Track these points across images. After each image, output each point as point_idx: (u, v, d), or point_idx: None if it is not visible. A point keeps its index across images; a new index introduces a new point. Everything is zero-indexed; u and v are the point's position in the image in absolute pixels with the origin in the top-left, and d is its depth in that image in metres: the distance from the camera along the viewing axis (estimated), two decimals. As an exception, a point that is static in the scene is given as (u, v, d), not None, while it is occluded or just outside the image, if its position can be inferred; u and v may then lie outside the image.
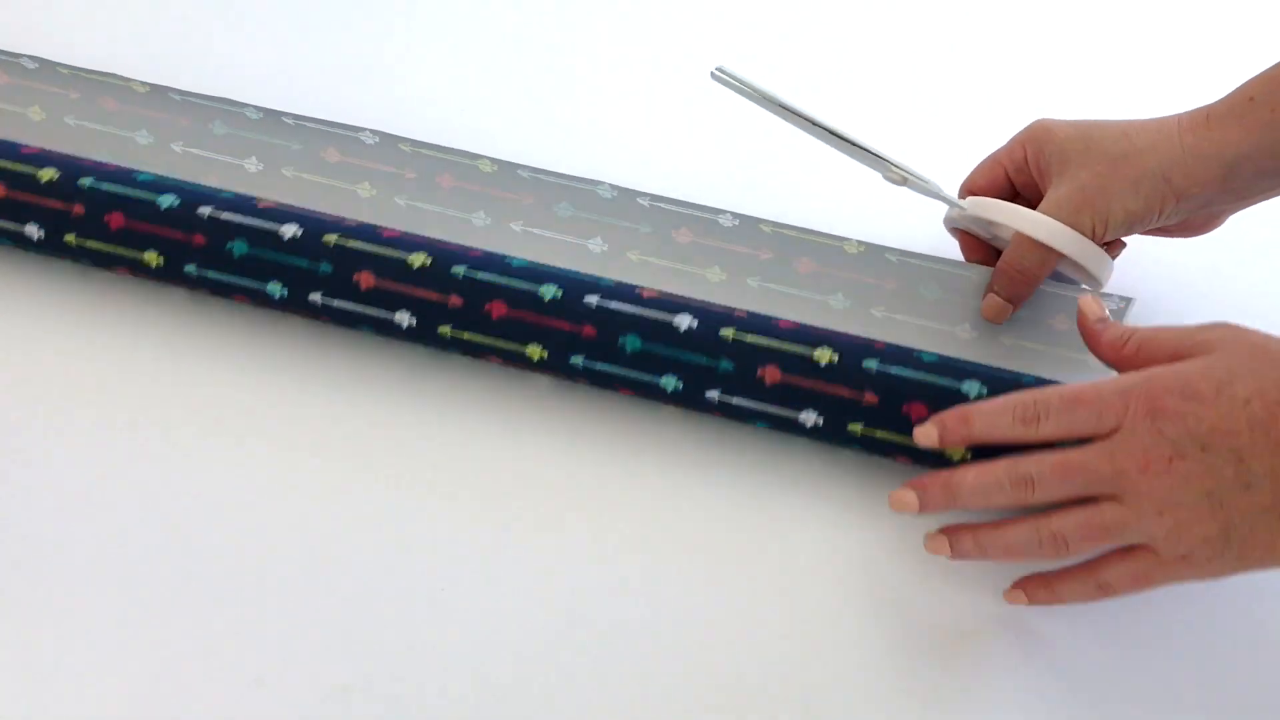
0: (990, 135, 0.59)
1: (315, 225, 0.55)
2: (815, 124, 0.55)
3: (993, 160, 0.58)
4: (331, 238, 0.54)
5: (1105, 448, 0.44)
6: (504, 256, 0.55)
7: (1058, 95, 0.72)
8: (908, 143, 0.60)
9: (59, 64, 0.63)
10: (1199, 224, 0.57)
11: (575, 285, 0.54)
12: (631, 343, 0.52)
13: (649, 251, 0.58)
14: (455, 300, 0.53)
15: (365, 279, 0.54)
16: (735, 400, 0.52)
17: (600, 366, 0.53)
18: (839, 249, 0.57)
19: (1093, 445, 0.45)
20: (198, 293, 0.57)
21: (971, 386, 0.50)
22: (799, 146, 0.58)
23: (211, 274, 0.55)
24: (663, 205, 0.59)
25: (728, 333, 0.52)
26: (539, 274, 0.54)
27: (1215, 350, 0.44)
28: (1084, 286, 0.57)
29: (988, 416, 0.47)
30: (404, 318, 0.54)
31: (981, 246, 0.59)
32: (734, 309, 0.54)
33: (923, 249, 0.58)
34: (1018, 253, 0.54)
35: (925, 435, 0.48)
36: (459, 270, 0.54)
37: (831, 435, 0.52)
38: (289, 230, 0.55)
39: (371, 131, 0.60)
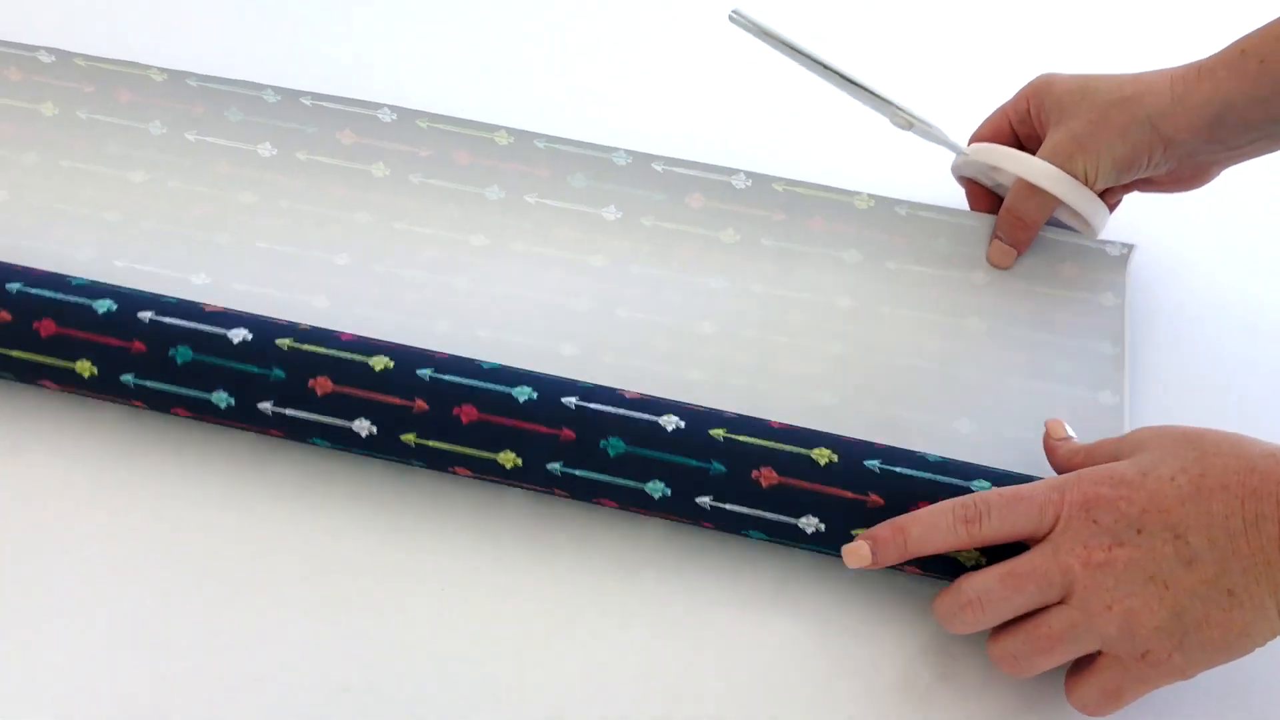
0: (1001, 87, 0.61)
1: (267, 329, 0.51)
2: (826, 67, 0.57)
3: (999, 112, 0.60)
4: (285, 341, 0.50)
5: (1048, 548, 0.44)
6: (473, 360, 0.51)
7: (1067, 48, 0.73)
8: (921, 90, 0.62)
9: (76, 55, 0.63)
10: (1189, 176, 0.58)
11: (551, 387, 0.50)
12: (615, 446, 0.48)
13: (663, 217, 0.59)
14: (421, 405, 0.49)
15: (322, 384, 0.49)
16: (729, 506, 0.48)
17: (580, 473, 0.48)
18: (850, 205, 0.59)
19: (1035, 549, 0.44)
20: (129, 407, 0.53)
21: (981, 486, 0.47)
22: (811, 98, 0.62)
23: (151, 384, 0.50)
24: (676, 170, 0.60)
25: (718, 433, 0.48)
26: (511, 376, 0.50)
27: (1145, 447, 0.45)
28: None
29: (925, 522, 0.46)
30: (363, 426, 0.49)
31: (987, 195, 0.61)
32: (723, 410, 0.50)
33: (931, 198, 0.60)
34: (1017, 198, 0.57)
35: (855, 555, 0.47)
36: (425, 373, 0.50)
37: (833, 542, 0.48)
38: (238, 335, 0.50)
39: (390, 108, 0.61)
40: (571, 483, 0.49)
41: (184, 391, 0.50)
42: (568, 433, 0.49)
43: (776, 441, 0.48)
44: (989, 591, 0.44)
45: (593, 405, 0.49)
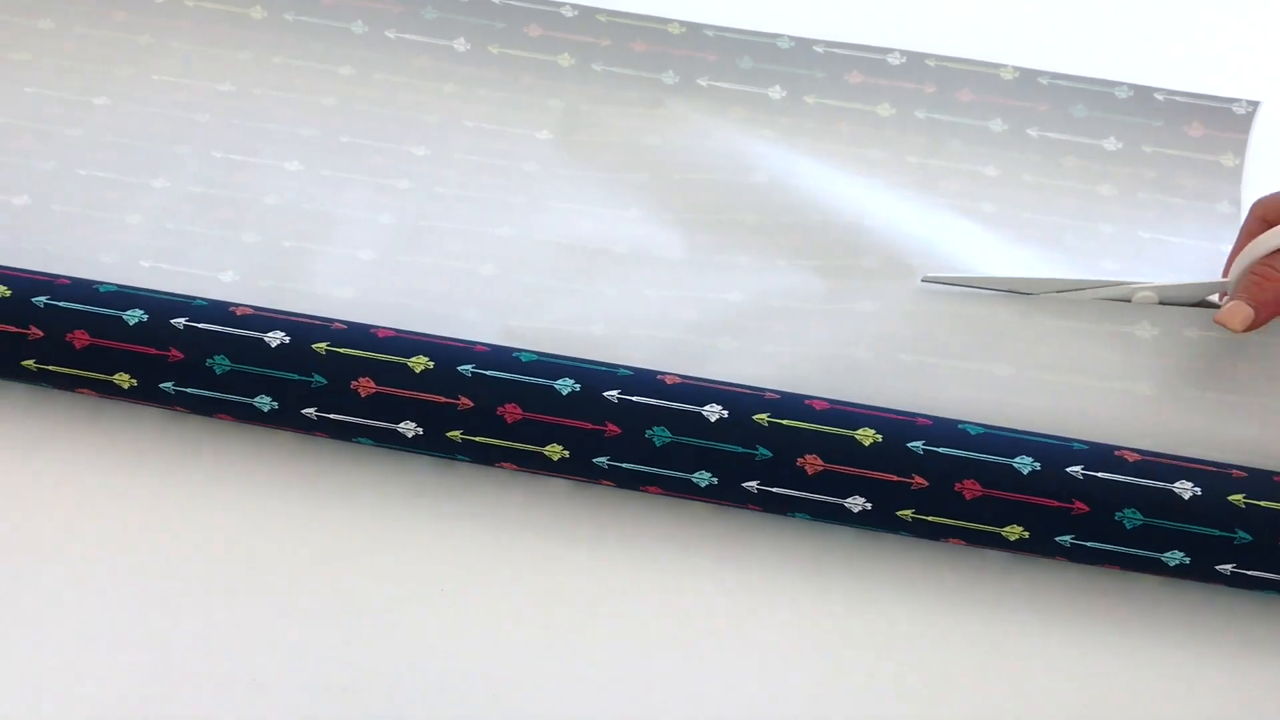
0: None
1: (303, 332, 0.51)
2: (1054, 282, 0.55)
3: (1238, 245, 0.53)
4: (322, 346, 0.50)
5: None
6: (510, 350, 0.51)
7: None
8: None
9: None
10: None
11: (592, 378, 0.50)
12: (660, 435, 0.49)
13: (824, 94, 0.64)
14: (465, 402, 0.49)
15: (365, 385, 0.50)
16: (776, 490, 0.48)
17: (627, 465, 0.49)
18: (995, 76, 0.63)
19: None
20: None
21: (1024, 462, 0.48)
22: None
23: (192, 391, 0.50)
24: (836, 51, 0.64)
25: (761, 418, 0.49)
26: (551, 369, 0.50)
27: None
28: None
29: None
30: (409, 427, 0.50)
31: None
32: (764, 391, 0.50)
33: (1072, 70, 0.63)
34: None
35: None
36: (466, 369, 0.50)
37: (878, 521, 0.49)
38: (275, 338, 0.50)
39: (572, 5, 0.66)
40: (618, 474, 0.50)
41: (227, 397, 0.50)
42: (613, 428, 0.49)
43: (820, 424, 0.49)
44: None
45: (635, 398, 0.49)
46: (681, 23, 0.65)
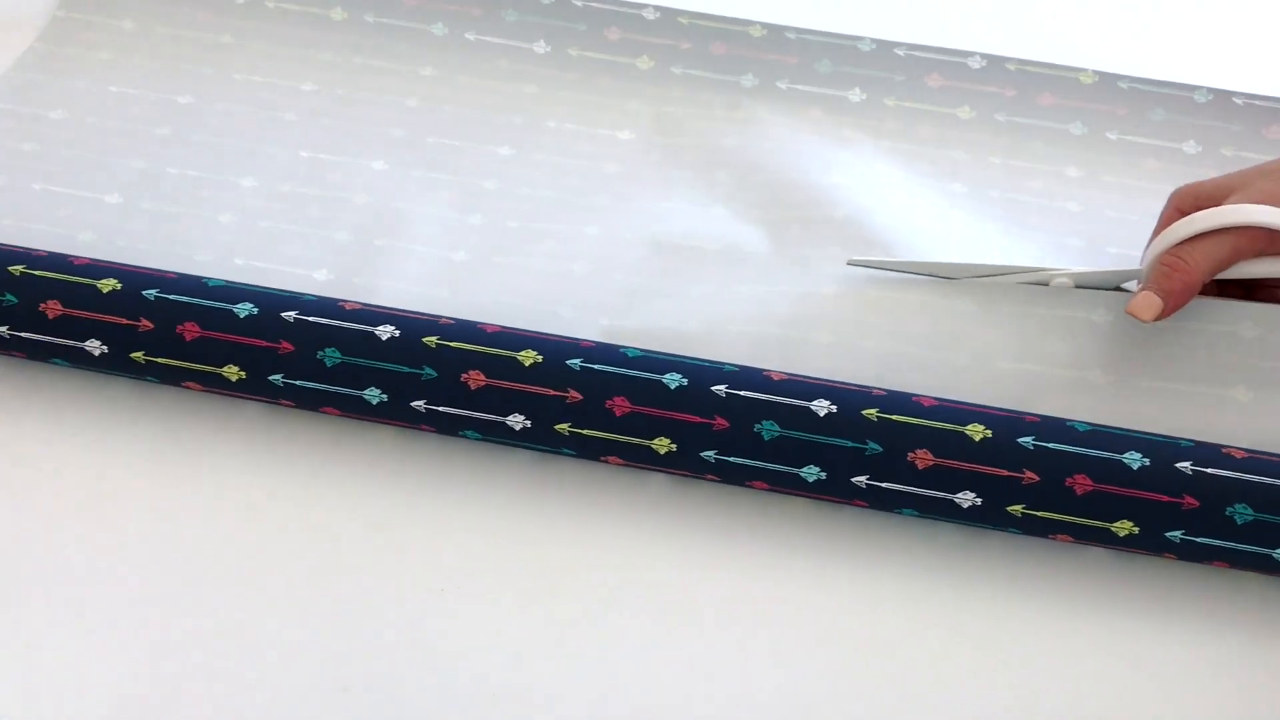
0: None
1: (412, 326, 0.51)
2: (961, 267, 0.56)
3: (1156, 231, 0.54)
4: (432, 339, 0.51)
5: None
6: (617, 346, 0.51)
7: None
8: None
9: None
10: None
11: (699, 373, 0.50)
12: (769, 429, 0.49)
13: (904, 97, 0.65)
14: (574, 395, 0.50)
15: (474, 379, 0.50)
16: (886, 485, 0.49)
17: (734, 460, 0.49)
18: (1075, 80, 0.64)
19: None
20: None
21: (1133, 458, 0.48)
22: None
23: (301, 384, 0.51)
24: (917, 54, 0.65)
25: (870, 413, 0.49)
26: (659, 364, 0.50)
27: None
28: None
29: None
30: (517, 420, 0.50)
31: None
32: (870, 388, 0.51)
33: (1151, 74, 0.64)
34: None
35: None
36: (575, 363, 0.50)
37: (987, 517, 0.49)
38: (385, 331, 0.51)
39: (654, 8, 0.66)
40: (726, 469, 0.50)
41: (335, 390, 0.50)
42: (721, 422, 0.49)
43: (929, 420, 0.49)
44: None
45: (743, 393, 0.50)
46: (764, 25, 0.66)
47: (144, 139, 0.63)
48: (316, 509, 0.51)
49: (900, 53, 0.65)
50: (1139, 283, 0.53)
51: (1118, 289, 0.54)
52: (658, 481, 0.52)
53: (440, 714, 0.47)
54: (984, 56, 0.65)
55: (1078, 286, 0.54)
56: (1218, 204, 0.51)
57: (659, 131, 0.64)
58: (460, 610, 0.49)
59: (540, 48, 0.67)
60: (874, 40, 0.66)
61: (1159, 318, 0.50)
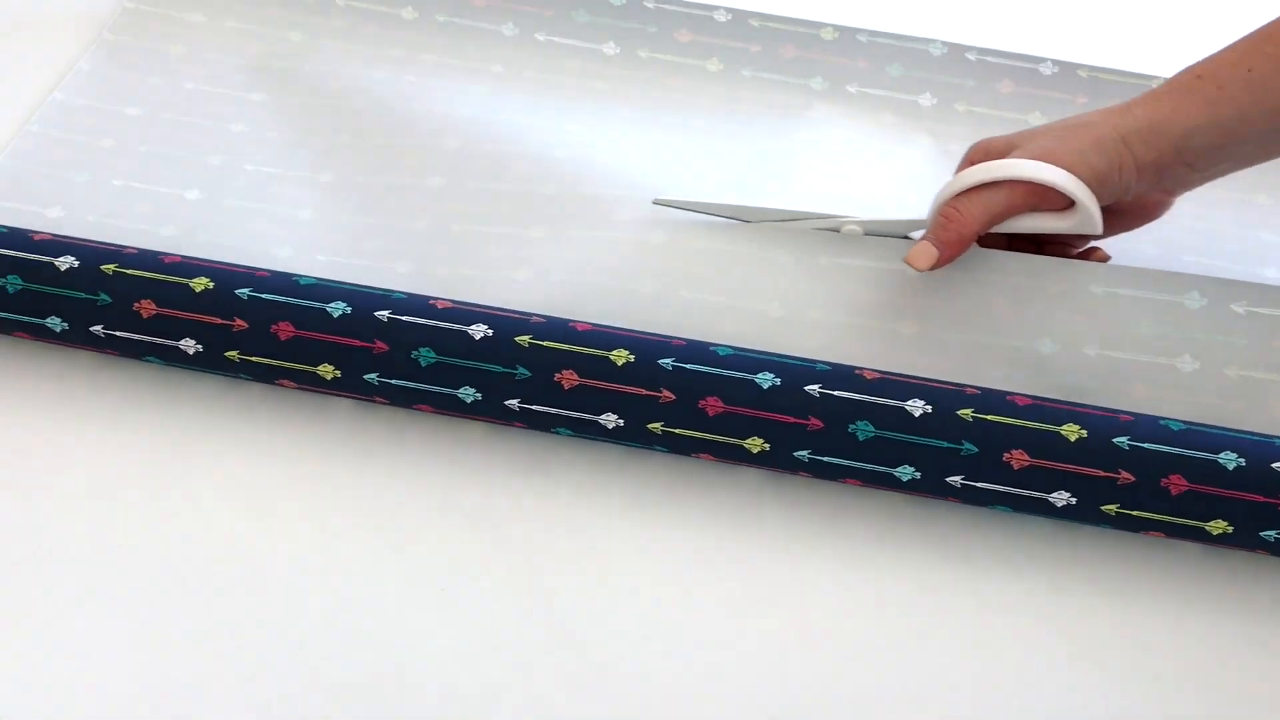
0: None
1: (505, 325, 0.51)
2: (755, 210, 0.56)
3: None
4: (525, 339, 0.51)
5: None
6: (708, 345, 0.52)
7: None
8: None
9: None
10: (1151, 206, 0.55)
11: (792, 373, 0.50)
12: (863, 429, 0.49)
13: (975, 103, 0.65)
14: (667, 395, 0.50)
15: (568, 378, 0.50)
16: (980, 485, 0.49)
17: (828, 459, 0.50)
18: (1147, 87, 0.62)
19: None
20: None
21: (1228, 458, 0.48)
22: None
23: (396, 382, 0.51)
24: (989, 59, 0.66)
25: (966, 413, 0.49)
26: (751, 363, 0.51)
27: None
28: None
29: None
30: (610, 419, 0.50)
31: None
32: (964, 386, 0.51)
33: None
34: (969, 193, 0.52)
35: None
36: (666, 363, 0.50)
37: (1081, 515, 0.49)
38: (478, 331, 0.51)
39: (725, 10, 0.67)
40: (819, 467, 0.50)
41: (430, 389, 0.51)
42: (815, 422, 0.49)
43: (1024, 420, 0.49)
44: None
45: (837, 393, 0.50)
46: (835, 27, 0.66)
47: (221, 135, 0.63)
48: (319, 507, 0.51)
49: (972, 57, 0.65)
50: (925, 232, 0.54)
51: (906, 238, 0.55)
52: (658, 482, 0.53)
53: (440, 714, 0.47)
54: (1056, 63, 0.65)
55: (867, 234, 0.55)
56: (1003, 158, 0.51)
57: (721, 131, 0.64)
58: (460, 610, 0.49)
59: (610, 49, 0.67)
60: (945, 44, 0.66)
61: (934, 267, 0.51)
